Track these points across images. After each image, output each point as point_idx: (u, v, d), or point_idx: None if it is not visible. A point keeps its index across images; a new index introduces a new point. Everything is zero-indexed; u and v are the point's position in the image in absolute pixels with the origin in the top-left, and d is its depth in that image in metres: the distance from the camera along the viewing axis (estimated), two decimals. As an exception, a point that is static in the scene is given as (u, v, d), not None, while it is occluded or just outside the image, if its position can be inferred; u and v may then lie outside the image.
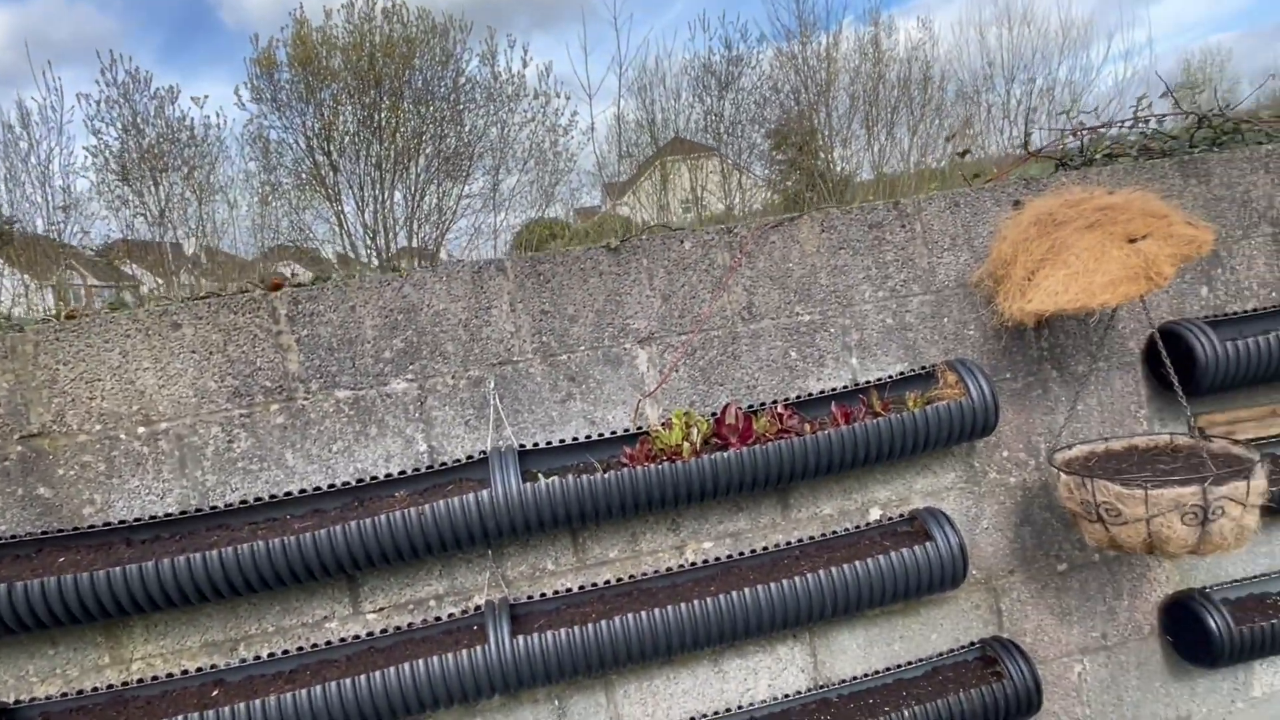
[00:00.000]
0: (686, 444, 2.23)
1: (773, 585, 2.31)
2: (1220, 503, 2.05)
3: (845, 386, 2.50)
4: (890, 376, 2.51)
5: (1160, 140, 2.91)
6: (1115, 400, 2.70)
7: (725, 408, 2.32)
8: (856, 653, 2.58)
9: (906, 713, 2.37)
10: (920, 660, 2.58)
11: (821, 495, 2.55)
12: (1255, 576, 2.79)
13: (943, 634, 2.63)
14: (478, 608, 2.33)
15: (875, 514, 2.58)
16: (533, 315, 2.36)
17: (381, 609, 2.33)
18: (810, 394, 2.47)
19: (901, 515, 2.56)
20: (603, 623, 2.22)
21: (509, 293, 2.34)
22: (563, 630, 2.20)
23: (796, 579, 2.32)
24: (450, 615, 2.32)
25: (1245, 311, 2.70)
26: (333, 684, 2.11)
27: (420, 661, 2.14)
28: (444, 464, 2.28)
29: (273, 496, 2.21)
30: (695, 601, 2.27)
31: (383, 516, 2.10)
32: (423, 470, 2.27)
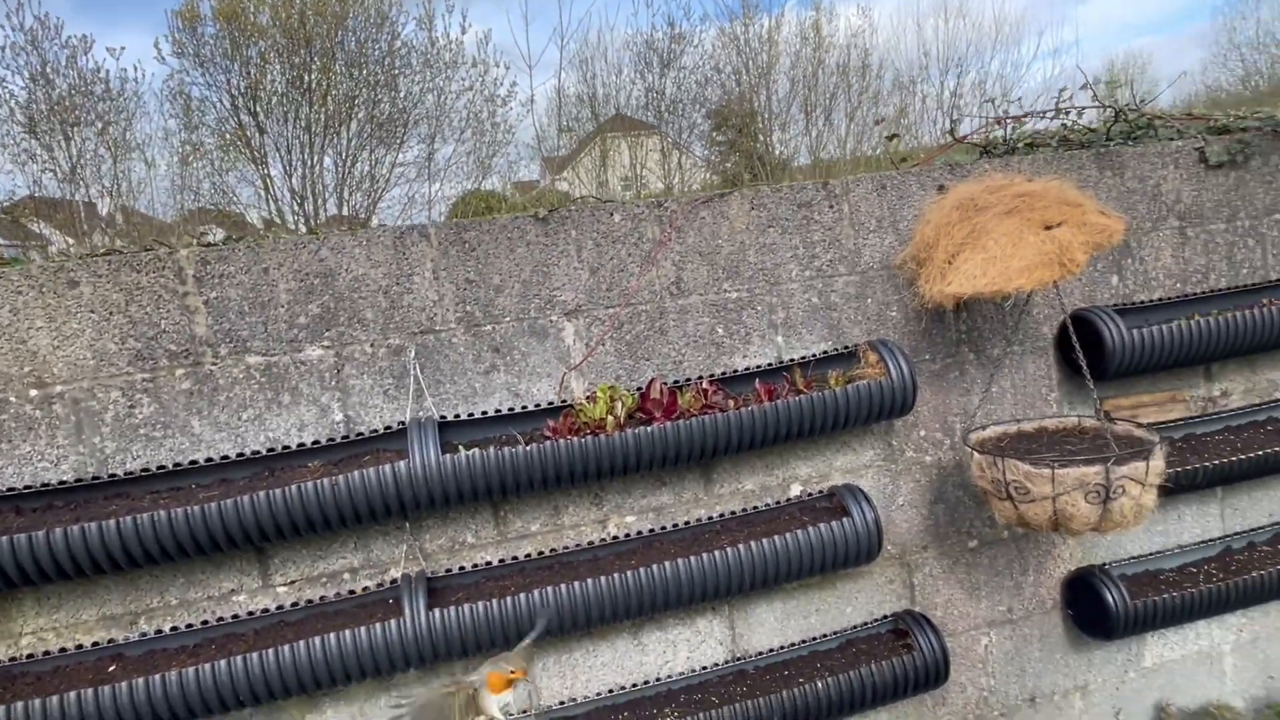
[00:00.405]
0: (610, 418, 2.22)
1: (693, 559, 2.32)
2: (1121, 482, 2.14)
3: (770, 364, 2.52)
4: (814, 355, 2.54)
5: (1079, 133, 3.00)
6: (1028, 383, 2.79)
7: (650, 382, 2.31)
8: (774, 625, 2.62)
9: (820, 684, 2.42)
10: (835, 633, 2.64)
11: (744, 471, 2.57)
12: (1150, 554, 2.94)
13: (857, 607, 2.69)
14: (394, 581, 2.29)
15: (796, 490, 2.61)
16: (457, 284, 2.30)
17: (293, 582, 2.26)
18: (735, 370, 2.48)
19: (821, 491, 2.60)
20: (521, 595, 2.20)
21: (432, 260, 2.28)
22: (480, 603, 2.17)
23: (716, 553, 2.33)
24: (365, 588, 2.27)
25: (1152, 301, 2.81)
26: (239, 658, 2.04)
27: (332, 635, 2.09)
28: (360, 434, 2.22)
29: (177, 465, 2.12)
30: (615, 575, 2.27)
31: (294, 487, 2.03)
32: (338, 440, 2.20)
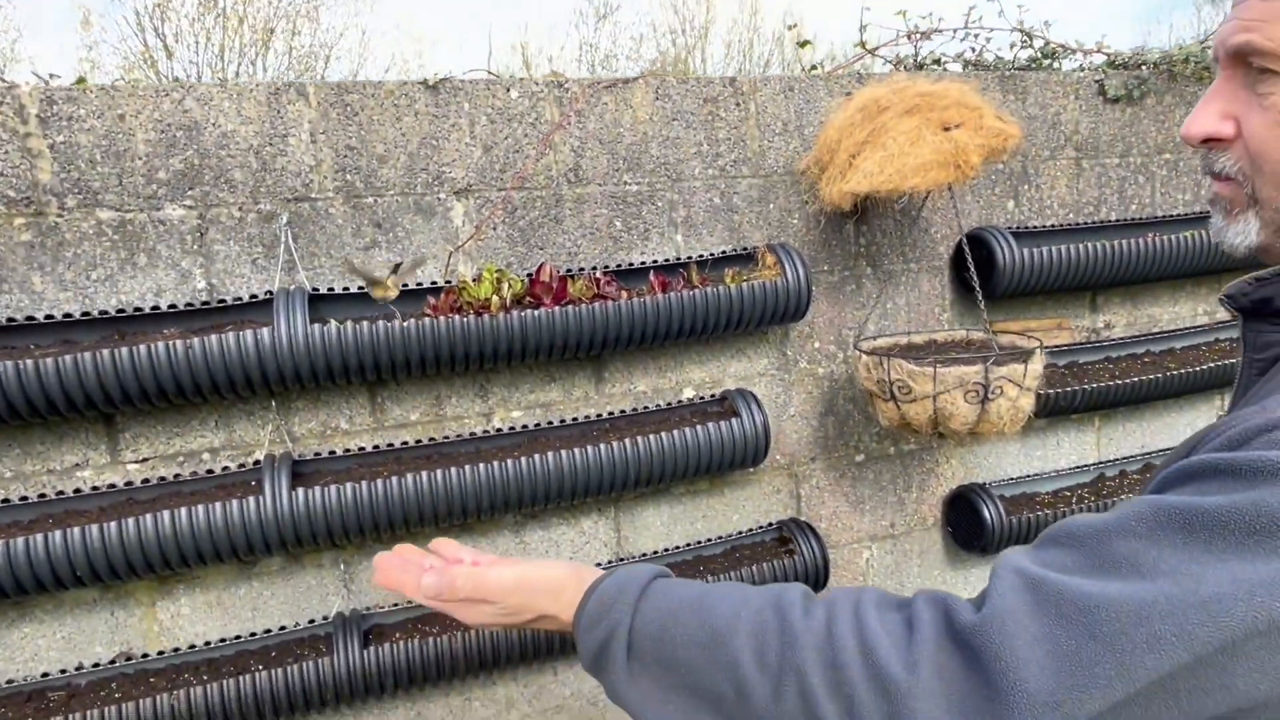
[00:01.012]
0: (496, 298, 2.13)
1: (578, 451, 2.26)
2: (999, 383, 2.17)
3: (667, 260, 2.46)
4: (712, 254, 2.49)
5: (989, 62, 3.02)
6: (922, 301, 2.82)
7: (540, 266, 2.23)
8: (660, 530, 2.60)
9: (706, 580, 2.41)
10: (721, 538, 2.63)
11: (637, 371, 2.52)
12: (1029, 477, 3.02)
13: (744, 515, 2.69)
14: (257, 462, 2.16)
15: (689, 393, 2.58)
16: (336, 150, 2.16)
17: (146, 459, 2.11)
18: (631, 264, 2.42)
19: (713, 395, 2.57)
20: (394, 480, 2.11)
21: (310, 121, 2.13)
22: (349, 485, 2.07)
23: (603, 446, 2.28)
24: (226, 469, 2.13)
25: (1046, 227, 2.87)
26: (76, 530, 1.89)
27: (183, 510, 1.96)
28: (223, 301, 2.07)
29: (11, 320, 1.93)
30: (496, 463, 2.20)
31: (143, 347, 1.88)
32: (198, 306, 2.05)
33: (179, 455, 2.13)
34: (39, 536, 1.87)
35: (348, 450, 2.23)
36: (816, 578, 2.54)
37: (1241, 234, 0.78)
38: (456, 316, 2.09)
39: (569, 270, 2.36)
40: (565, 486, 2.26)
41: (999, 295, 2.67)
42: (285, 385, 2.03)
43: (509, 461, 2.21)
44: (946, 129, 2.23)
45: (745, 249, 2.51)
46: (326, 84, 2.14)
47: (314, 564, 2.27)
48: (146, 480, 2.07)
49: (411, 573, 0.91)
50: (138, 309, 2.01)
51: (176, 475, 2.10)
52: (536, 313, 2.15)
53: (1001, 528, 2.76)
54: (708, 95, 2.48)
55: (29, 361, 1.81)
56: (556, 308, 2.17)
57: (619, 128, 2.41)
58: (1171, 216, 3.04)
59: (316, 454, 2.20)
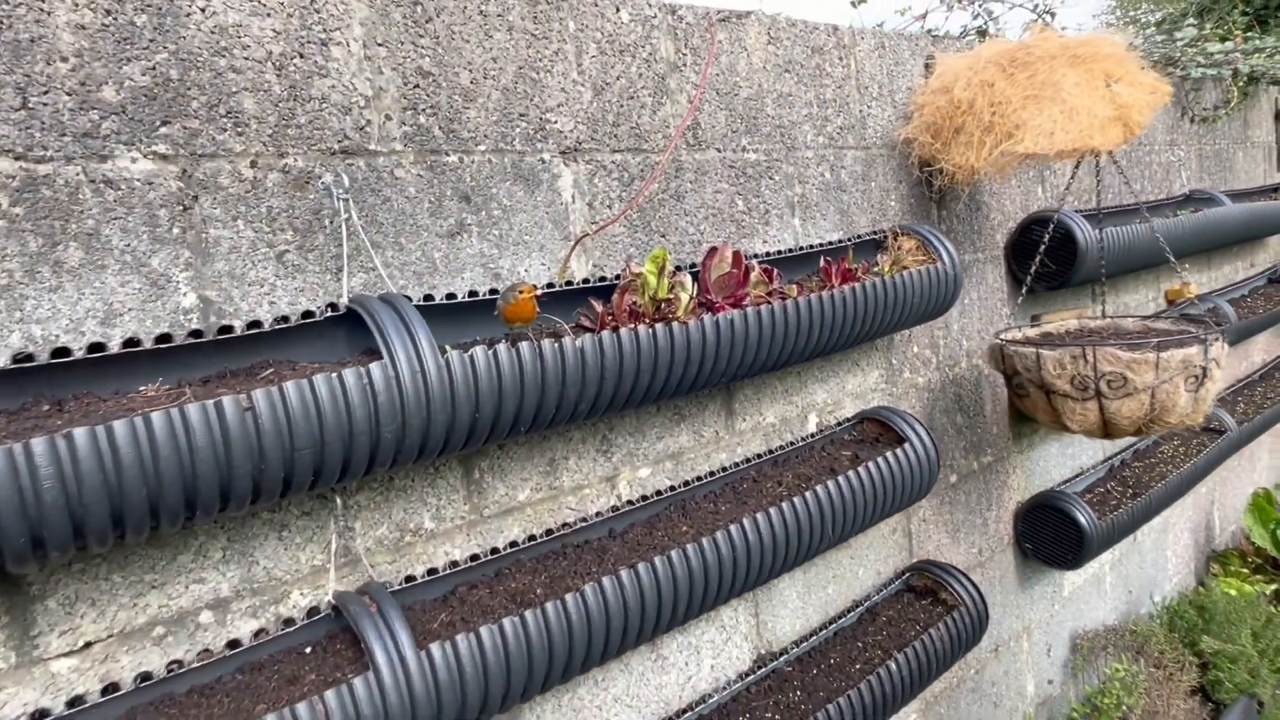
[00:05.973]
0: (685, 295, 1.42)
1: (759, 519, 1.59)
2: (1209, 365, 1.90)
3: (790, 250, 1.90)
4: (851, 239, 1.98)
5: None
6: (989, 294, 2.54)
7: (712, 251, 1.55)
8: (796, 604, 1.99)
9: (886, 670, 1.84)
10: (854, 604, 2.09)
11: (765, 399, 1.91)
12: (1068, 479, 2.86)
13: (867, 567, 2.17)
14: (313, 611, 1.21)
15: (814, 420, 2.02)
16: (404, 74, 1.32)
17: (88, 645, 1.08)
18: (779, 252, 1.82)
19: (843, 420, 2.03)
20: (518, 619, 1.27)
21: (362, 22, 1.28)
22: (507, 622, 1.22)
23: (772, 511, 1.62)
24: (262, 633, 1.17)
25: (1094, 209, 2.73)
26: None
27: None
28: (257, 323, 1.13)
29: None
30: (642, 567, 1.42)
31: (81, 431, 0.91)
32: (207, 336, 1.09)
33: (154, 625, 1.12)
34: None
35: (453, 565, 1.35)
36: (981, 626, 2.09)
37: None
38: (641, 326, 1.35)
39: (693, 265, 1.70)
40: (740, 572, 1.58)
41: (1076, 282, 2.46)
42: (372, 466, 1.15)
43: (656, 561, 1.45)
44: (1108, 84, 1.95)
45: (875, 233, 2.03)
46: (384, -36, 1.30)
47: (392, 767, 1.34)
48: (115, 687, 1.04)
49: None
50: (98, 347, 1.01)
51: (173, 667, 1.09)
52: (729, 316, 1.47)
53: (1096, 533, 2.52)
54: (814, 44, 1.98)
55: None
56: (740, 310, 1.51)
57: (735, 75, 1.81)
58: (1163, 200, 3.11)
59: (410, 578, 1.30)
